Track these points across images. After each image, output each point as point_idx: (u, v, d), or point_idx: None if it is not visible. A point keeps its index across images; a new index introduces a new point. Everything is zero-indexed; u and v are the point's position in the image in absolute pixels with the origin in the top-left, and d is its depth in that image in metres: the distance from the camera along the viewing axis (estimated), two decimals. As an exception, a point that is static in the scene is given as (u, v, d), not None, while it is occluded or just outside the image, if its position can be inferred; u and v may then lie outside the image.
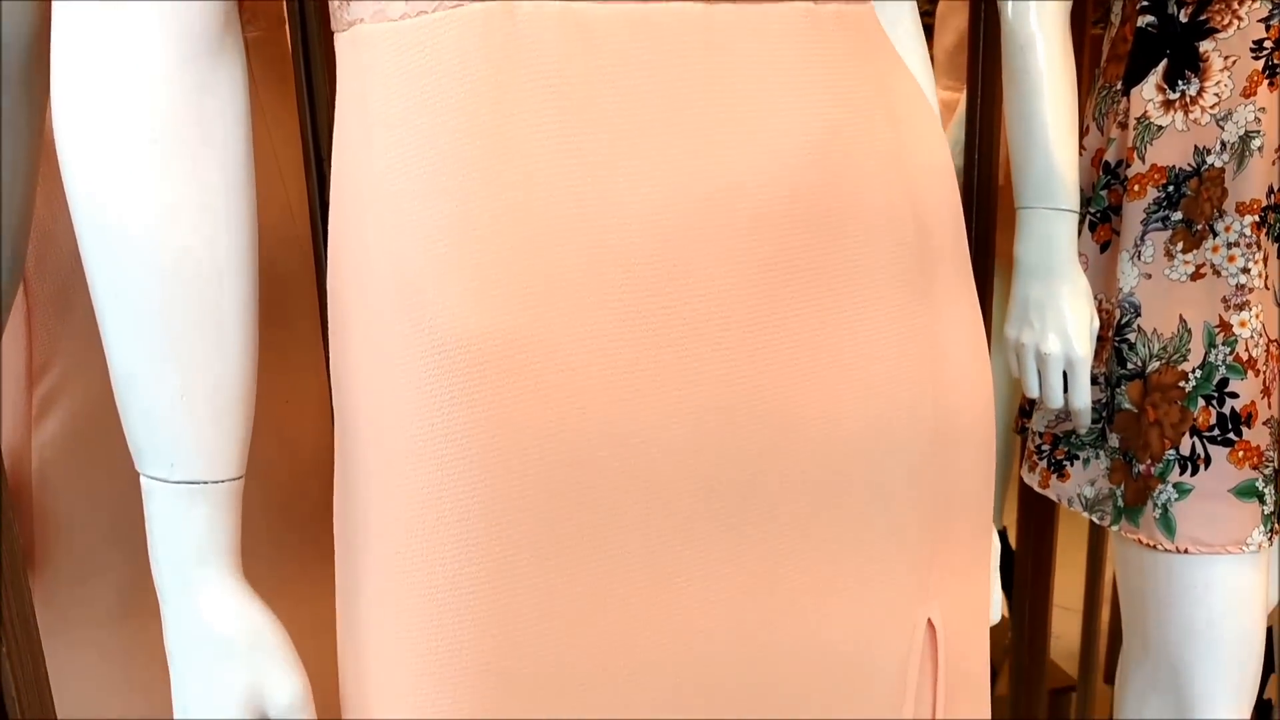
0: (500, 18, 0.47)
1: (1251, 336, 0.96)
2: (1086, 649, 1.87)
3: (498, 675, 0.51)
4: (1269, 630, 1.56)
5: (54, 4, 0.49)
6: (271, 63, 0.89)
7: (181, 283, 0.51)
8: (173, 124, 0.50)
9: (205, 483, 0.53)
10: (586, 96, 0.47)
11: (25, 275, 0.79)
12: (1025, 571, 1.64)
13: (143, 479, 0.54)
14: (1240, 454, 0.96)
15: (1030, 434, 1.12)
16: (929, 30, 2.04)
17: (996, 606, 0.76)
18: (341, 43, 0.52)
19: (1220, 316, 0.97)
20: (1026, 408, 1.16)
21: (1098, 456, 1.06)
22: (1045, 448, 1.10)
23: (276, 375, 0.83)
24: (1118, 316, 1.01)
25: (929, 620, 0.60)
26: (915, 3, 0.70)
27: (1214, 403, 0.97)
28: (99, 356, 0.54)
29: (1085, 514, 1.06)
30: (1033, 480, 1.12)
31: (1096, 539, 1.85)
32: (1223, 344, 0.96)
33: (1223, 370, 0.96)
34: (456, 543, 0.49)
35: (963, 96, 1.83)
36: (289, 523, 0.84)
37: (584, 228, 0.48)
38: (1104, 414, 1.04)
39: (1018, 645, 1.67)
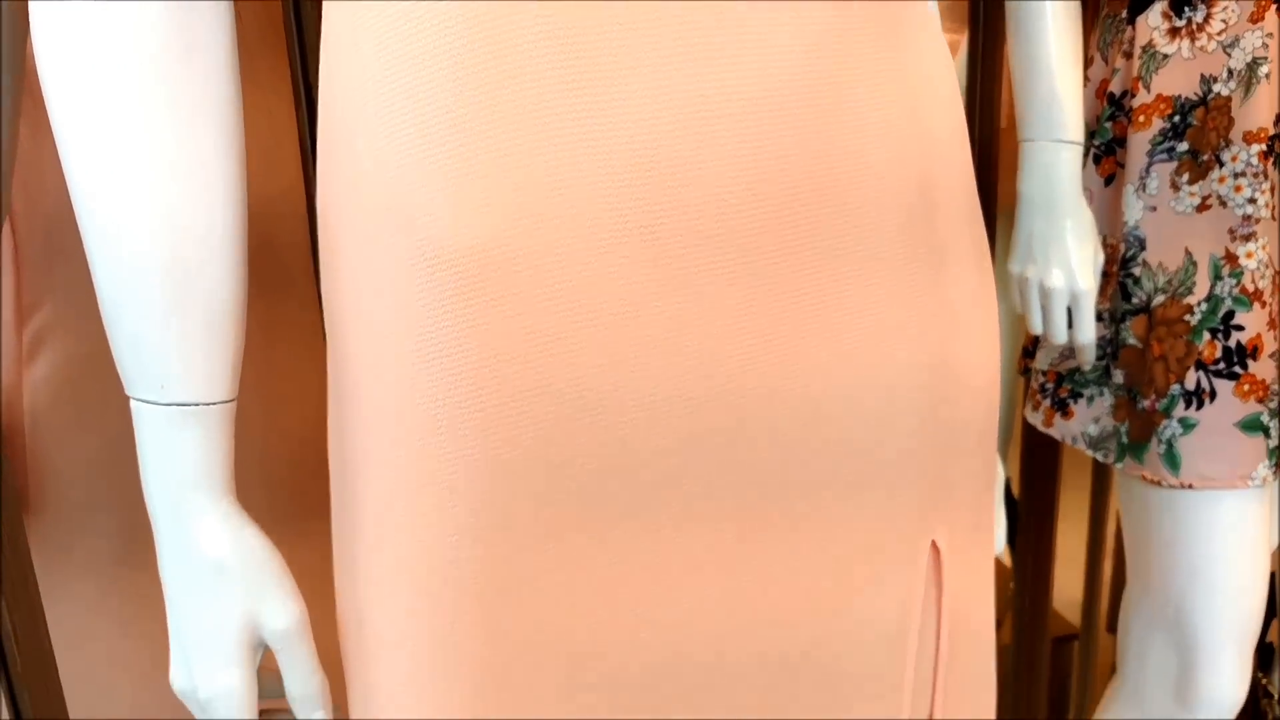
0: None
1: (1258, 268, 0.95)
2: (1089, 599, 1.87)
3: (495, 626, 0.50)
4: (1271, 576, 1.56)
5: None
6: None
7: (169, 204, 0.50)
8: (156, 39, 0.49)
9: (196, 405, 0.52)
10: (584, 4, 0.46)
11: (12, 214, 0.77)
12: (1028, 521, 1.64)
13: (133, 404, 0.53)
14: (1246, 387, 0.95)
15: (1034, 373, 1.11)
16: (929, -24, 2.01)
17: (1001, 537, 0.75)
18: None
19: (1226, 248, 0.95)
20: (1030, 348, 1.15)
21: (1102, 394, 1.05)
22: (1049, 386, 1.09)
23: (273, 352, 0.82)
24: (1122, 251, 1.00)
25: (933, 543, 0.59)
26: None
27: (1219, 336, 0.96)
28: (90, 295, 0.53)
29: (1089, 452, 1.06)
30: (1036, 419, 1.11)
31: (1099, 489, 1.85)
32: (1229, 276, 0.95)
33: (1229, 303, 0.95)
34: (452, 459, 0.49)
35: (964, 39, 1.80)
36: (289, 504, 0.84)
37: (577, 133, 0.46)
38: (1108, 350, 1.03)
39: (1020, 595, 1.67)
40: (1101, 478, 1.82)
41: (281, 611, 0.53)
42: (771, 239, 0.50)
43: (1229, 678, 0.98)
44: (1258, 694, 1.51)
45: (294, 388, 0.85)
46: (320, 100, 0.52)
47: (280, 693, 0.56)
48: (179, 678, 0.54)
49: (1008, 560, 1.82)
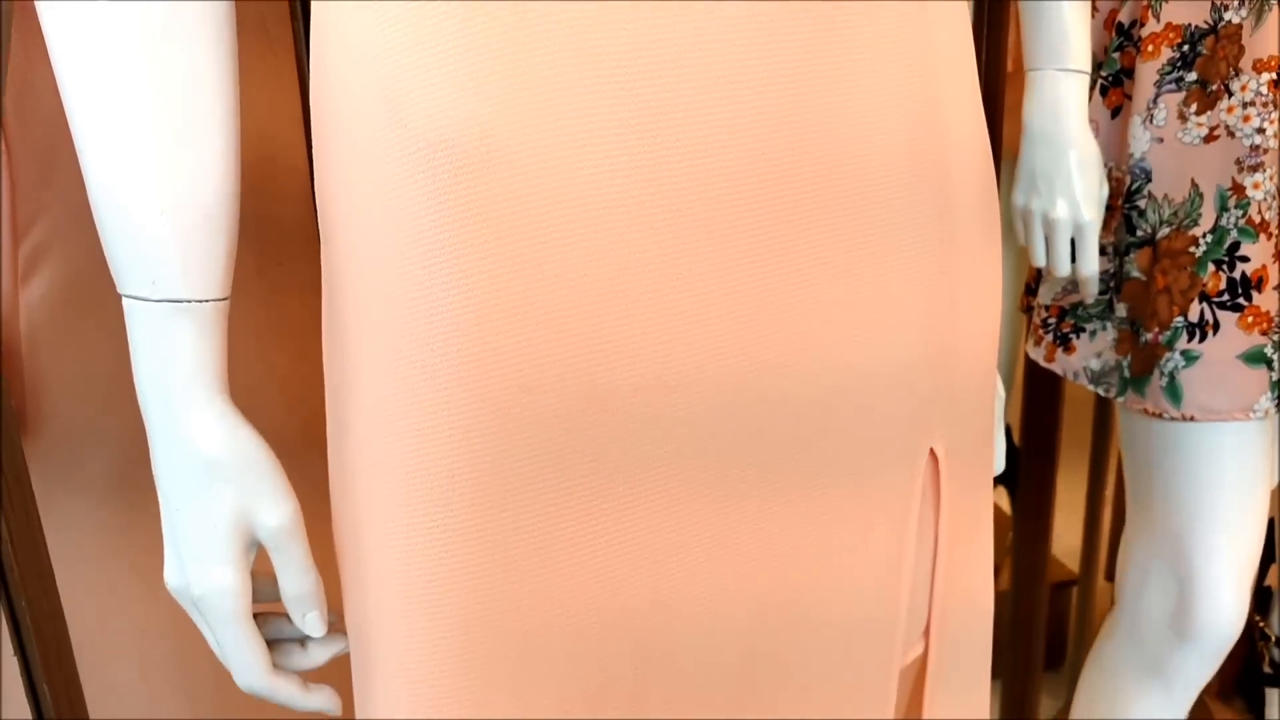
0: None
1: (1264, 199, 0.94)
2: (1088, 546, 1.88)
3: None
4: (1270, 522, 1.56)
5: None
6: None
7: (162, 91, 0.49)
8: None
9: (188, 301, 0.51)
10: None
11: (5, 131, 0.76)
12: (1028, 468, 1.64)
13: (125, 302, 0.52)
14: (1250, 319, 0.94)
15: (1036, 308, 1.11)
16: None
17: (1000, 457, 0.75)
18: None
19: (1233, 179, 0.94)
20: (1033, 285, 1.14)
21: (1104, 328, 1.04)
22: (1051, 321, 1.08)
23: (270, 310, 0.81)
24: (1128, 183, 0.99)
25: (931, 450, 0.59)
26: None
27: (1224, 267, 0.95)
28: (85, 212, 0.53)
29: (1091, 386, 1.05)
30: (1038, 355, 1.10)
31: (1100, 437, 1.85)
32: (1235, 207, 0.94)
33: (1234, 234, 0.94)
34: (443, 346, 0.48)
35: (971, -16, 1.78)
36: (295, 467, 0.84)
37: (578, 24, 0.45)
38: (1111, 284, 1.02)
39: (1019, 541, 1.67)
40: (1102, 425, 1.82)
41: (275, 509, 0.52)
42: (775, 131, 0.50)
43: (1227, 607, 0.98)
44: (1254, 636, 1.51)
45: (296, 298, 0.84)
46: (314, 5, 0.51)
47: (276, 596, 0.56)
48: (173, 575, 0.54)
49: (1007, 507, 1.82)
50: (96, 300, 0.77)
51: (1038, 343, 1.10)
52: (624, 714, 0.54)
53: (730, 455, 0.52)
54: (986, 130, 0.61)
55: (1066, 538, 2.02)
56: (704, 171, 0.48)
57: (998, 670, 1.69)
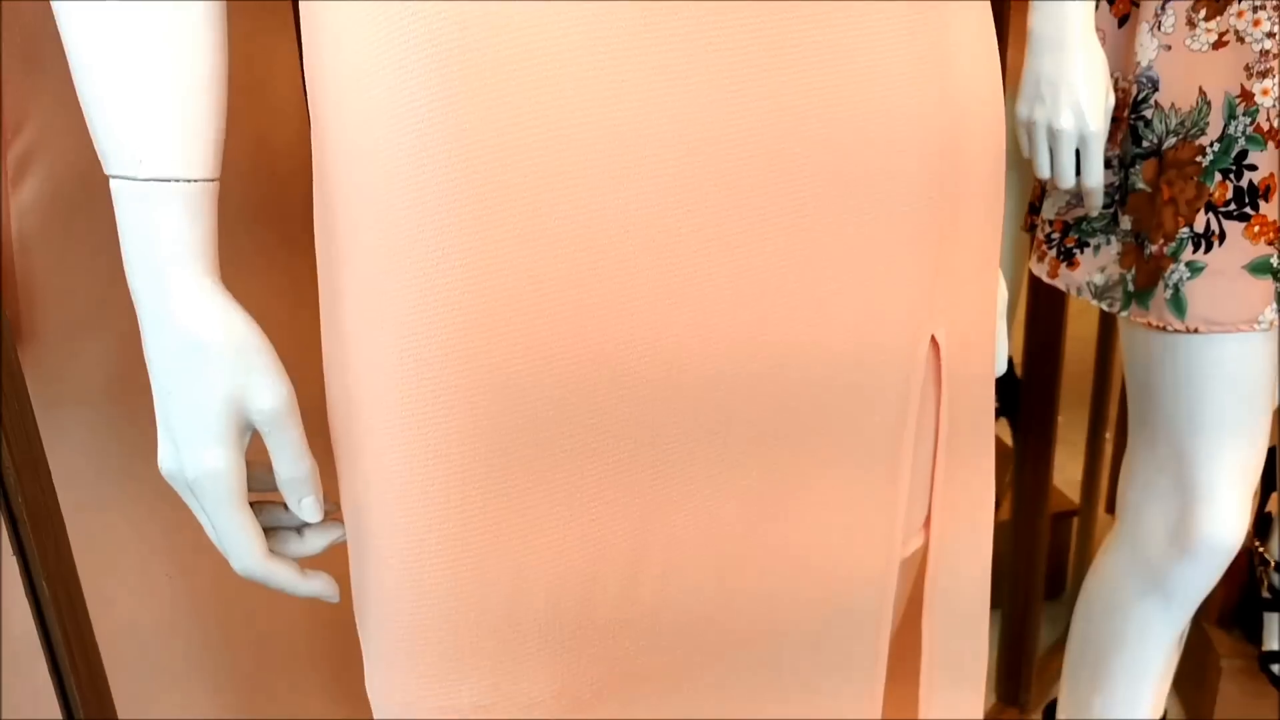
0: None
1: (1273, 105, 0.92)
2: (1089, 477, 1.88)
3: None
4: (1271, 450, 1.56)
5: None
6: None
7: None
8: None
9: (176, 180, 0.50)
10: None
11: (-9, 31, 0.75)
12: (1029, 399, 1.63)
13: (112, 184, 0.51)
14: (1256, 229, 0.93)
15: (1040, 223, 1.10)
16: None
17: (1002, 356, 0.74)
18: None
19: (1242, 86, 0.93)
20: (1036, 204, 1.13)
21: (1108, 242, 1.03)
22: (1055, 236, 1.07)
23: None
24: (1134, 93, 0.97)
25: (932, 338, 0.58)
26: None
27: (1231, 176, 0.93)
28: (76, 112, 0.52)
29: (1094, 301, 1.04)
30: (1041, 270, 1.09)
31: (1102, 371, 1.84)
32: (1243, 114, 0.93)
33: (1242, 142, 0.93)
34: (431, 244, 0.47)
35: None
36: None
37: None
38: (1116, 197, 1.01)
39: (1020, 471, 1.67)
40: (1104, 358, 1.82)
41: (268, 391, 0.52)
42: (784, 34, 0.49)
43: (1228, 518, 0.98)
44: (1253, 562, 1.52)
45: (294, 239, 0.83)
46: None
47: (271, 486, 0.56)
48: (166, 459, 0.53)
49: (1009, 439, 1.82)
50: (88, 203, 0.76)
51: (1041, 258, 1.09)
52: (619, 594, 0.54)
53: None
54: (1003, 109, 0.60)
55: (1068, 470, 2.03)
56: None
57: (998, 599, 1.70)
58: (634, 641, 0.54)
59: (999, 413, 1.93)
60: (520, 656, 0.52)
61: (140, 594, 0.86)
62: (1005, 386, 1.84)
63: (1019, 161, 1.06)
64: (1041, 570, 1.69)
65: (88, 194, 0.76)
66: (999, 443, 1.60)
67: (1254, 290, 0.94)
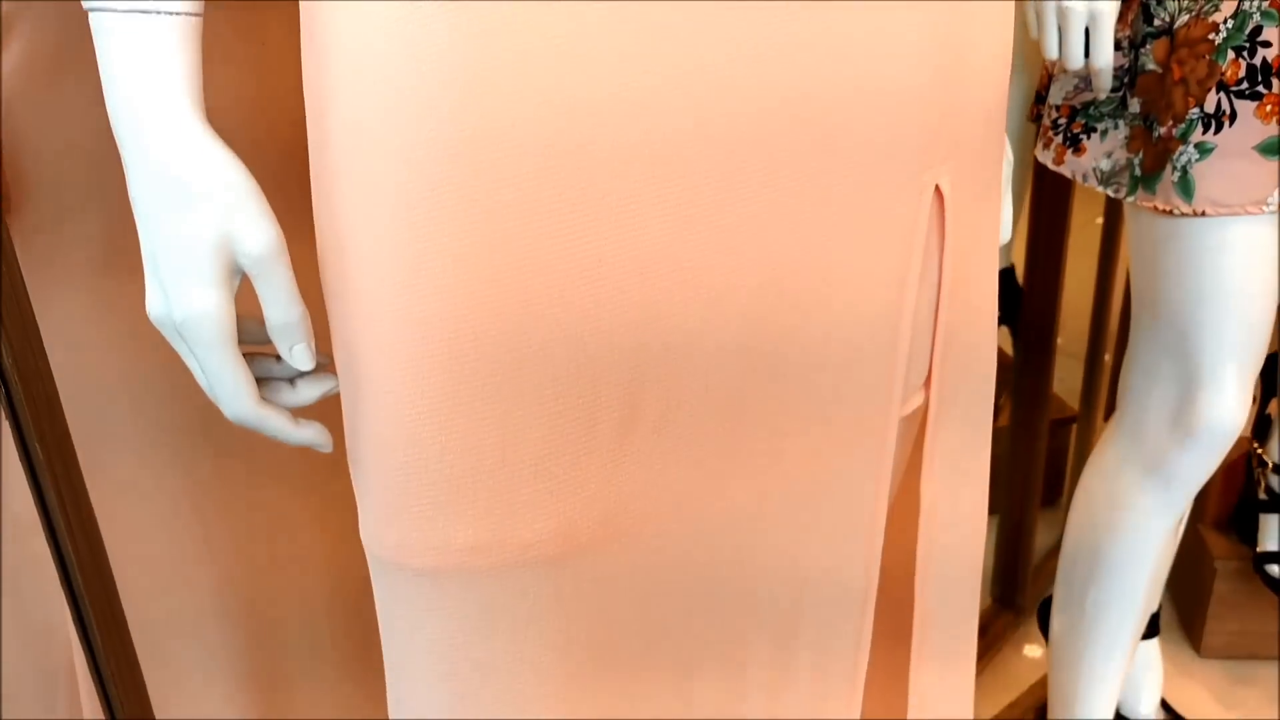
0: None
1: (1291, -21, 0.90)
2: (1088, 384, 1.88)
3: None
4: (1272, 356, 1.55)
5: None
6: None
7: None
8: None
9: (159, 13, 0.49)
10: None
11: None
12: (1030, 303, 1.62)
13: (92, 18, 0.50)
14: (1268, 108, 0.91)
15: (1047, 109, 1.07)
16: None
17: (1007, 224, 0.73)
18: None
19: None
20: (1042, 93, 1.11)
21: (1116, 126, 1.01)
22: (1062, 121, 1.05)
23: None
24: (1148, -32, 0.95)
25: (936, 187, 0.57)
26: None
27: (1244, 54, 0.91)
28: None
29: (1100, 188, 1.03)
30: (1047, 157, 1.08)
31: (1104, 279, 1.83)
32: (1259, -11, 0.90)
33: (1256, 17, 0.90)
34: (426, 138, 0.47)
35: None
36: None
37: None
38: (1125, 80, 0.99)
39: (1019, 378, 1.67)
40: (1107, 257, 1.80)
41: (256, 233, 0.50)
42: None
43: (1229, 400, 0.97)
44: (1251, 464, 1.52)
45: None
46: None
47: (262, 338, 0.55)
48: (154, 303, 0.52)
49: (1009, 348, 1.82)
50: (74, 67, 0.75)
51: (1046, 145, 1.07)
52: (614, 439, 0.53)
53: (734, 170, 0.51)
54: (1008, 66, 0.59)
55: (1069, 381, 2.02)
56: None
57: (995, 504, 1.71)
58: (632, 483, 0.54)
59: (1000, 320, 1.92)
60: (516, 498, 0.52)
61: (131, 427, 0.86)
62: (1006, 294, 1.83)
63: (1024, 61, 1.03)
64: (1039, 476, 1.70)
65: (73, 54, 0.74)
66: (1000, 353, 1.59)
67: (1263, 171, 0.92)
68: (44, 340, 0.75)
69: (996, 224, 0.65)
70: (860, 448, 0.60)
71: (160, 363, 0.82)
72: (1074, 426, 1.88)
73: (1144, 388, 1.03)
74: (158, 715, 0.81)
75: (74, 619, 0.76)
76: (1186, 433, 1.00)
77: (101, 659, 0.77)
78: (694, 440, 0.55)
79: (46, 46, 0.75)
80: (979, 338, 0.66)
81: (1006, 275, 2.00)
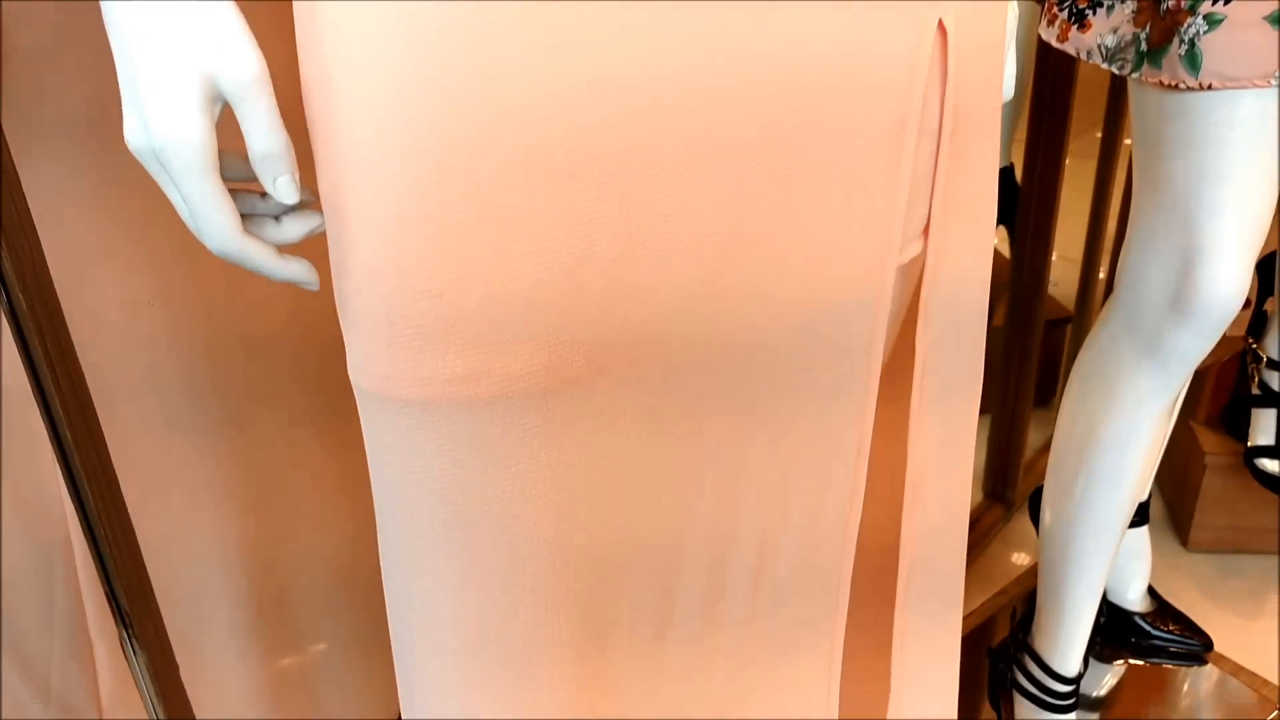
0: None
1: None
2: (1084, 285, 1.88)
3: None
4: (1271, 255, 1.55)
5: None
6: None
7: None
8: None
9: None
10: None
11: None
12: (1027, 205, 1.61)
13: None
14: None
15: (1052, -14, 1.05)
16: None
17: (1010, 83, 0.71)
18: None
19: None
20: (1050, -30, 1.08)
21: (1122, 1, 0.99)
22: (1067, -3, 1.03)
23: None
24: None
25: (939, 22, 0.55)
26: None
27: None
28: None
29: (1104, 65, 1.01)
30: (1050, 35, 1.05)
31: (1102, 182, 1.81)
32: None
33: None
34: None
35: None
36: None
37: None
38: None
39: (1016, 277, 1.66)
40: (1106, 158, 1.79)
41: (239, 59, 0.49)
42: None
43: (1228, 278, 0.97)
44: (1245, 359, 1.52)
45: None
46: None
47: (246, 174, 0.53)
48: (133, 133, 0.50)
49: (1006, 250, 1.81)
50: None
51: (1051, 22, 1.05)
52: (605, 281, 0.52)
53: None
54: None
55: (1064, 284, 2.02)
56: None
57: (987, 404, 1.72)
58: (624, 319, 0.53)
59: (998, 220, 1.91)
60: (505, 329, 0.51)
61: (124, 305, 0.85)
62: (1004, 194, 1.81)
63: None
64: (1032, 375, 1.70)
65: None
66: (996, 254, 1.58)
67: (1272, 43, 0.90)
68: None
69: (999, 80, 0.64)
70: (857, 294, 0.59)
71: (138, 231, 0.80)
72: (1069, 327, 1.88)
73: (1142, 266, 1.03)
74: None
75: (70, 495, 0.75)
76: (1185, 310, 0.99)
77: (100, 533, 0.77)
78: (683, 284, 0.54)
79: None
80: (979, 180, 0.64)
81: (1005, 174, 1.99)
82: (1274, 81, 0.91)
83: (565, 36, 0.48)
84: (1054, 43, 1.05)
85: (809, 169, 0.54)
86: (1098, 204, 1.83)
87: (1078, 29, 1.02)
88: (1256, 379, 1.50)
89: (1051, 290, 1.74)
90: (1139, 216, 1.03)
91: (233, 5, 0.49)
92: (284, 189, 0.52)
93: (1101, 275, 1.89)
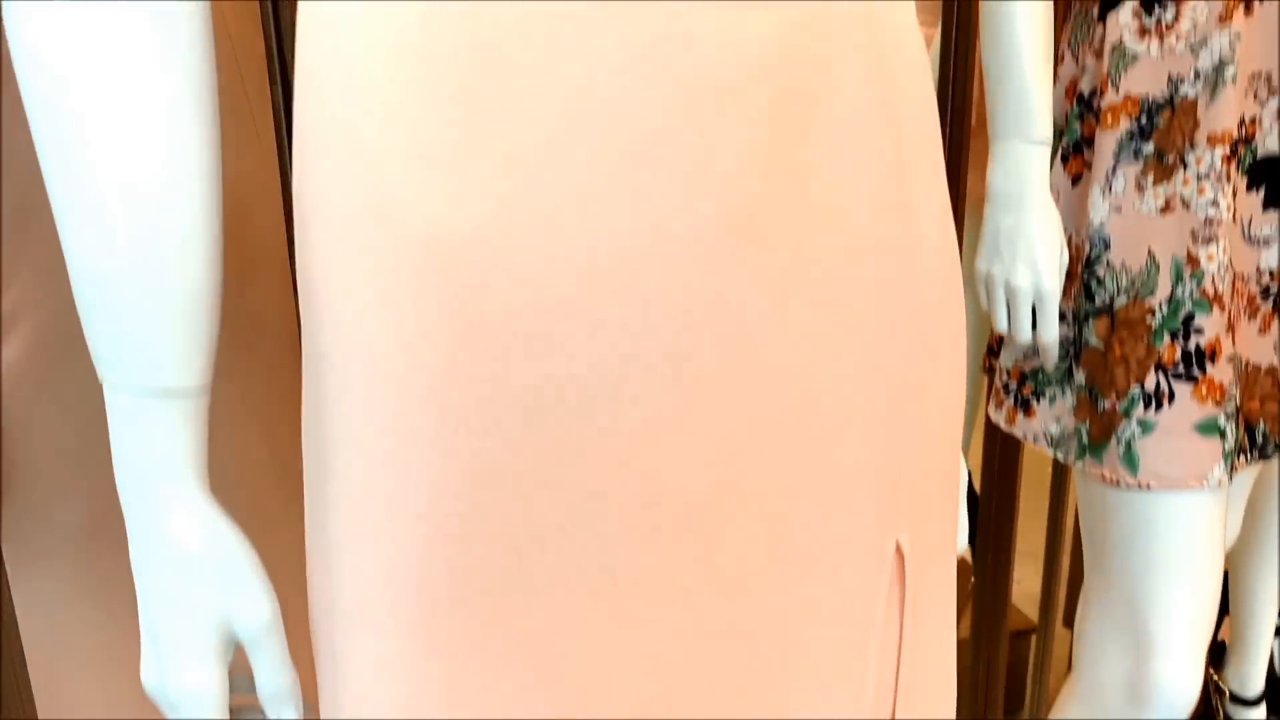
0: None
1: (1218, 271, 0.96)
2: (1047, 593, 1.89)
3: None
4: (1224, 574, 1.58)
5: None
6: None
7: (148, 194, 0.49)
8: (136, 39, 0.48)
9: (170, 392, 0.51)
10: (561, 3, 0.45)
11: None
12: (988, 517, 1.65)
13: (105, 390, 0.52)
14: (1204, 390, 0.96)
15: (998, 371, 1.12)
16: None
17: (963, 535, 0.75)
18: None
19: (1188, 250, 0.96)
20: (995, 346, 1.15)
21: (1064, 393, 1.05)
22: (1012, 385, 1.10)
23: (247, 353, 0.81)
24: (1087, 250, 1.01)
25: (897, 544, 0.59)
26: None
27: (1179, 338, 0.96)
28: (62, 273, 0.52)
29: (1050, 451, 1.06)
30: (999, 417, 1.12)
31: (1059, 483, 1.87)
32: (1190, 278, 0.96)
33: (1189, 305, 0.96)
34: (427, 447, 0.48)
35: (937, 33, 1.80)
36: (268, 500, 0.84)
37: (549, 105, 0.46)
38: (1071, 350, 1.04)
39: (979, 589, 1.69)
40: (1061, 474, 1.84)
41: (254, 609, 0.52)
42: (753, 202, 0.50)
43: (1183, 674, 0.99)
44: (1209, 690, 1.53)
45: (274, 383, 0.84)
46: (296, 96, 0.51)
47: (251, 688, 0.56)
48: (150, 675, 0.53)
49: (968, 556, 1.84)
50: (70, 363, 0.77)
51: (999, 406, 1.11)
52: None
53: (690, 561, 0.52)
54: (952, 223, 0.62)
55: (1026, 582, 2.04)
56: (684, 263, 0.49)
57: (958, 716, 1.71)
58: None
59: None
60: None
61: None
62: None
63: (977, 305, 1.08)
64: (1000, 689, 1.70)
65: (69, 355, 0.76)
66: (958, 559, 1.61)
67: (1203, 449, 0.96)
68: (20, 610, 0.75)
69: (954, 552, 0.67)
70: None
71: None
72: (1034, 637, 1.89)
73: (1097, 651, 1.05)
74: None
75: None
76: (1142, 702, 1.01)
77: None
78: None
79: (44, 342, 0.77)
80: (940, 657, 0.67)
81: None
82: (1208, 484, 0.96)
83: None
84: (1002, 425, 1.11)
85: (777, 685, 0.56)
86: (1056, 500, 1.88)
87: (1024, 415, 1.09)
88: (1221, 712, 1.50)
89: (1015, 588, 1.75)
90: (1090, 601, 1.07)
91: (251, 553, 0.53)
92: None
93: (1064, 574, 1.91)
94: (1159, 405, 0.97)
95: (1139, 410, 0.97)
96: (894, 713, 0.63)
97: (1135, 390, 0.97)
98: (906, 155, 0.56)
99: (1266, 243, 0.99)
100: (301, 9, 0.51)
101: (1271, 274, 0.99)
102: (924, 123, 0.58)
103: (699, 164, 0.48)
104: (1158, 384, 0.97)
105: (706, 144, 0.48)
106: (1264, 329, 1.00)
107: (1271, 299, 1.00)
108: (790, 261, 0.51)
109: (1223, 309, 0.96)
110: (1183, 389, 0.96)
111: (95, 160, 0.49)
